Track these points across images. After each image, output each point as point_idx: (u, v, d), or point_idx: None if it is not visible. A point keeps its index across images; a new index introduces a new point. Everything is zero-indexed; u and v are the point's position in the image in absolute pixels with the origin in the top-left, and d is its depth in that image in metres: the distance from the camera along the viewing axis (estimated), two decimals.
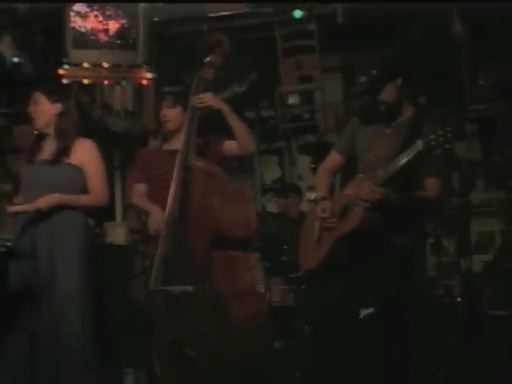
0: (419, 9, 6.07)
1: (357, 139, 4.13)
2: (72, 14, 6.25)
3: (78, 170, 4.22)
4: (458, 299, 5.72)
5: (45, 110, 4.27)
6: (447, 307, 5.61)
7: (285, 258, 5.72)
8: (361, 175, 3.95)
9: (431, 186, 3.84)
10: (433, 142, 3.50)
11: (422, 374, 3.76)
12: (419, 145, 3.53)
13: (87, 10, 6.23)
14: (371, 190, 3.66)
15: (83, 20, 6.25)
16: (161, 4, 6.52)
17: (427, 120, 3.91)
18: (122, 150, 7.09)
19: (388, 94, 3.93)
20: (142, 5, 6.25)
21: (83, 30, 6.26)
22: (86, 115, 6.12)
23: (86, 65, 6.30)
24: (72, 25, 6.27)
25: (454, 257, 6.19)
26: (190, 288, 3.92)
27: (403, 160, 3.61)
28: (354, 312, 3.95)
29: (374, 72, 4.16)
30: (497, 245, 6.52)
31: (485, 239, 6.53)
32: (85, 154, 4.27)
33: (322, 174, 4.29)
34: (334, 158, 4.26)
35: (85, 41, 6.28)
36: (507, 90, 6.42)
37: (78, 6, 6.22)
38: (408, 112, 3.99)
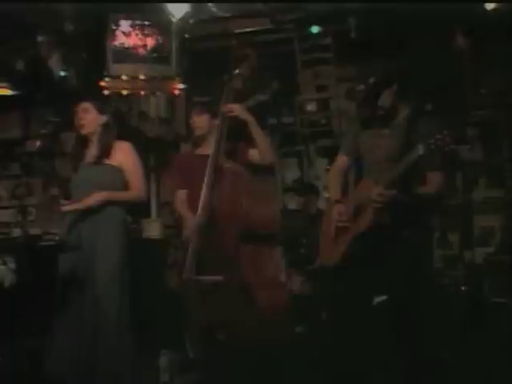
0: (426, 23, 6.07)
1: (360, 141, 4.11)
2: (115, 32, 6.28)
3: (119, 170, 4.25)
4: (462, 288, 5.68)
5: (93, 119, 4.31)
6: (452, 295, 5.57)
7: (303, 251, 5.73)
8: (367, 177, 3.94)
9: (433, 179, 3.82)
10: (432, 146, 3.53)
11: (428, 355, 3.75)
12: (420, 149, 3.56)
13: (130, 29, 6.26)
14: (380, 193, 3.67)
15: (124, 37, 6.28)
16: (191, 22, 6.53)
17: (422, 119, 3.90)
18: (157, 154, 7.10)
19: (385, 99, 3.92)
20: (174, 23, 6.25)
21: (123, 46, 6.29)
22: (124, 122, 6.14)
23: (124, 77, 6.32)
24: (113, 42, 6.30)
25: (458, 250, 6.15)
26: (220, 278, 3.93)
27: (406, 163, 3.63)
28: (369, 300, 3.92)
29: (372, 80, 4.16)
30: (497, 238, 6.48)
31: (486, 233, 6.49)
32: (124, 155, 4.30)
33: (333, 177, 4.26)
34: (341, 160, 4.22)
35: (124, 56, 6.30)
36: (505, 98, 6.39)
37: (122, 26, 6.24)
38: (403, 112, 3.96)
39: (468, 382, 3.83)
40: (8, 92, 7.53)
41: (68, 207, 4.22)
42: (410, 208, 3.72)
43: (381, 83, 4.00)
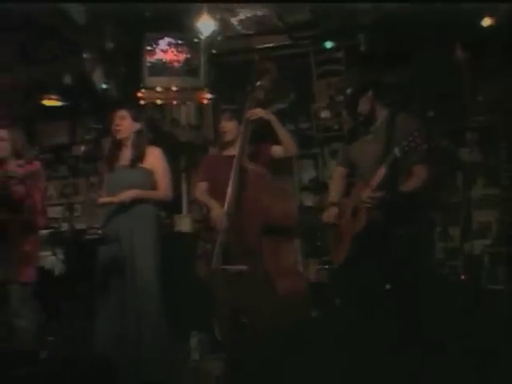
0: (428, 38, 6.03)
1: (350, 151, 4.10)
2: (150, 49, 6.29)
3: (150, 173, 4.29)
4: (462, 277, 5.64)
5: (128, 126, 4.35)
6: (453, 283, 5.54)
7: (318, 243, 5.69)
8: (362, 180, 3.89)
9: (418, 172, 3.76)
10: (406, 148, 3.50)
11: (429, 336, 3.73)
12: (396, 152, 3.53)
13: (165, 46, 6.29)
14: (369, 196, 3.64)
15: (159, 53, 6.29)
16: (218, 39, 6.52)
17: (399, 119, 3.82)
18: (187, 157, 7.12)
19: (363, 106, 3.88)
20: (203, 40, 6.27)
21: (157, 61, 6.30)
22: (158, 128, 6.14)
23: (158, 89, 6.33)
24: (148, 58, 6.31)
25: (459, 242, 6.09)
26: (244, 267, 3.95)
27: (387, 166, 3.59)
28: (375, 288, 3.87)
29: (349, 90, 4.16)
30: (493, 232, 6.41)
31: (484, 227, 6.42)
32: (154, 159, 4.33)
33: (334, 182, 4.26)
34: (338, 170, 4.24)
35: (158, 70, 6.31)
36: (501, 105, 6.34)
37: (158, 44, 6.29)
38: (382, 115, 3.89)
39: (467, 361, 3.76)
40: (57, 103, 7.58)
41: (103, 200, 4.28)
42: (401, 204, 3.67)
43: (357, 91, 3.96)
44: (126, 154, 4.35)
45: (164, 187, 4.31)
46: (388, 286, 3.91)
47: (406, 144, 3.50)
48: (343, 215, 3.93)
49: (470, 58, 6.25)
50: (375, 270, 3.76)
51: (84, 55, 6.70)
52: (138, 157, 4.29)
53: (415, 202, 3.86)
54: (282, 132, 4.25)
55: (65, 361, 3.89)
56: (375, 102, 3.89)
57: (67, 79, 7.11)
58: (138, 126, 4.37)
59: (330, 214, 3.99)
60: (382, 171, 3.61)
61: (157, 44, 6.30)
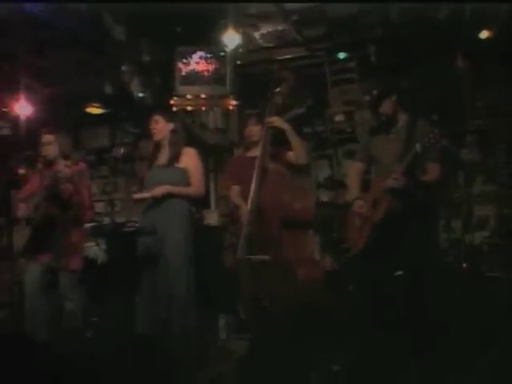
0: (432, 49, 6.02)
1: (371, 148, 4.08)
2: (182, 61, 6.32)
3: (184, 171, 4.28)
4: (464, 265, 5.60)
5: (162, 128, 4.37)
6: (456, 271, 5.50)
7: (334, 235, 5.66)
8: (380, 177, 3.90)
9: (432, 169, 3.79)
10: (427, 144, 3.55)
11: (435, 317, 3.74)
12: (418, 147, 3.58)
13: (194, 58, 6.30)
14: (395, 178, 3.66)
15: (189, 65, 6.31)
16: (242, 51, 6.52)
17: (419, 124, 3.84)
18: (215, 157, 7.12)
19: (385, 107, 3.90)
20: (229, 52, 6.27)
21: (189, 71, 6.31)
22: (189, 132, 6.15)
23: (189, 96, 6.33)
24: (180, 69, 6.32)
25: (460, 234, 6.05)
26: (266, 257, 3.94)
27: (409, 158, 3.64)
28: (389, 274, 3.86)
29: (375, 91, 4.17)
30: (491, 225, 6.37)
31: (483, 220, 6.38)
32: (189, 159, 4.33)
33: (352, 179, 4.25)
34: (357, 166, 4.22)
35: (188, 79, 6.32)
36: (498, 110, 6.31)
37: (188, 56, 6.30)
38: (402, 119, 3.92)
39: (468, 339, 3.74)
40: (99, 111, 7.63)
41: (137, 195, 4.32)
42: (417, 197, 3.72)
43: (383, 94, 3.98)
44: (164, 154, 4.37)
45: (196, 184, 4.31)
46: (399, 272, 3.90)
47: (427, 140, 3.55)
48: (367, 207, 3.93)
49: (470, 67, 6.21)
50: (391, 256, 3.76)
51: (123, 68, 6.74)
52: (174, 157, 4.30)
53: (429, 196, 3.88)
54: (294, 141, 4.21)
55: (107, 339, 3.94)
56: (397, 106, 3.90)
57: (108, 89, 7.15)
58: (171, 125, 4.39)
59: (358, 206, 3.96)
60: (403, 162, 3.66)
61: (189, 57, 6.30)
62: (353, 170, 4.25)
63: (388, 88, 4.03)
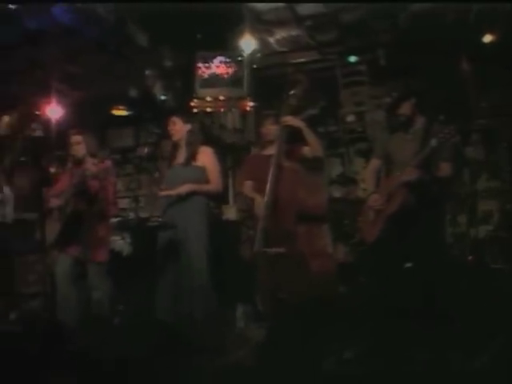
0: (439, 53, 6.00)
1: (388, 146, 4.05)
2: (201, 65, 6.32)
3: (202, 169, 4.28)
4: (469, 257, 5.57)
5: (180, 128, 4.36)
6: (461, 262, 5.48)
7: (346, 229, 5.63)
8: (395, 173, 3.87)
9: (444, 167, 3.76)
10: (442, 140, 3.54)
11: (443, 305, 3.72)
12: (433, 142, 3.57)
13: (213, 62, 6.31)
14: (411, 172, 3.65)
15: (208, 69, 6.32)
16: (258, 55, 6.52)
17: (436, 126, 3.82)
18: (233, 156, 7.10)
19: (404, 109, 3.87)
20: (246, 57, 6.29)
21: (209, 75, 6.32)
22: (208, 132, 6.15)
23: (208, 98, 6.35)
24: (200, 73, 6.34)
25: (466, 228, 6.02)
26: (281, 250, 3.91)
27: (425, 153, 3.62)
28: (399, 266, 3.83)
29: (395, 94, 4.16)
30: (495, 219, 6.33)
31: (486, 215, 6.34)
32: (206, 158, 4.32)
33: (369, 175, 4.21)
34: (375, 162, 4.18)
35: (207, 83, 6.33)
36: (501, 110, 6.29)
37: (208, 61, 6.33)
38: (420, 121, 3.90)
39: (472, 326, 3.72)
40: (124, 112, 7.65)
41: (163, 193, 4.30)
42: (429, 192, 3.69)
43: (401, 96, 3.97)
44: (182, 154, 4.36)
45: (215, 182, 4.30)
46: (409, 264, 3.89)
47: (442, 136, 3.54)
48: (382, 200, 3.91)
49: (474, 70, 6.17)
50: (403, 248, 3.74)
51: (146, 72, 6.76)
52: (192, 156, 4.29)
53: (440, 192, 3.86)
54: (310, 136, 4.19)
55: (131, 326, 3.95)
56: (415, 108, 3.89)
57: (132, 92, 7.18)
58: (188, 126, 4.38)
59: (373, 200, 3.92)
60: (418, 157, 3.65)
61: (210, 61, 6.31)
62: (370, 166, 4.23)
63: (407, 91, 4.03)
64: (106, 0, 5.27)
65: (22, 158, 7.02)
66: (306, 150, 4.22)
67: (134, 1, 5.35)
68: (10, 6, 5.16)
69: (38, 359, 3.10)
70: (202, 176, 4.26)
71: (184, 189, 4.16)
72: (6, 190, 5.52)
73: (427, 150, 3.63)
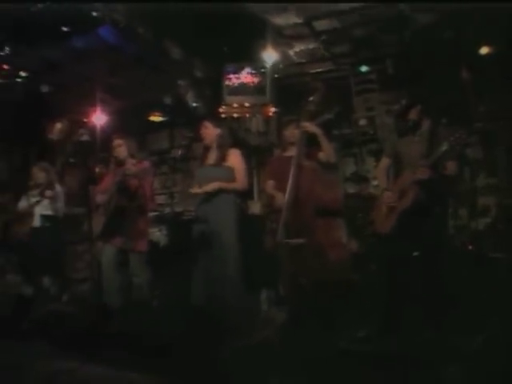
0: (441, 62, 5.94)
1: (397, 147, 3.99)
2: (229, 75, 6.35)
3: (230, 169, 4.24)
4: (470, 247, 5.48)
5: (210, 132, 4.34)
6: (462, 252, 5.38)
7: (359, 222, 5.57)
8: (407, 171, 3.78)
9: (451, 165, 3.67)
10: (453, 143, 3.47)
11: (446, 292, 3.64)
12: (445, 145, 3.50)
13: (240, 73, 6.31)
14: (424, 171, 3.59)
15: (236, 78, 6.32)
16: (279, 66, 6.49)
17: (441, 129, 3.79)
18: (257, 157, 7.09)
19: (412, 114, 3.82)
20: (268, 67, 6.28)
21: (236, 84, 6.31)
22: (235, 136, 6.13)
23: (235, 105, 6.34)
24: (228, 82, 6.35)
25: (467, 220, 5.94)
26: (301, 241, 3.87)
27: (436, 155, 3.56)
28: (408, 255, 3.78)
29: (403, 101, 4.16)
30: (493, 213, 6.23)
31: (485, 209, 6.25)
32: (234, 159, 4.29)
33: (380, 173, 4.13)
34: (385, 161, 4.10)
35: (234, 91, 6.32)
36: (498, 114, 6.17)
37: (236, 71, 6.36)
38: (426, 124, 3.83)
39: (473, 307, 3.68)
40: (160, 118, 7.68)
41: (195, 190, 4.25)
42: (438, 189, 3.64)
43: (409, 102, 3.92)
44: (213, 155, 4.34)
45: (241, 180, 4.27)
46: (416, 253, 3.80)
47: (454, 139, 3.47)
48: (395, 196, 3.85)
49: (473, 77, 6.08)
50: (413, 240, 3.68)
51: (179, 82, 6.76)
52: (221, 157, 4.26)
53: (446, 188, 3.83)
54: (324, 143, 4.11)
55: (168, 309, 3.95)
56: (422, 113, 3.84)
57: (167, 100, 7.20)
58: (218, 130, 4.35)
59: (387, 197, 3.86)
60: (431, 158, 3.59)
61: (239, 72, 6.32)
62: (381, 165, 4.16)
63: (414, 98, 3.97)
64: (110, 0, 5.21)
65: (72, 160, 7.11)
66: (321, 155, 4.16)
67: (144, 1, 5.32)
68: (62, 27, 5.22)
69: (86, 335, 3.13)
70: (230, 175, 4.24)
71: (212, 186, 4.14)
72: (58, 187, 5.57)
73: (439, 152, 3.56)
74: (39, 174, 5.53)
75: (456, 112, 5.79)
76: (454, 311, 3.58)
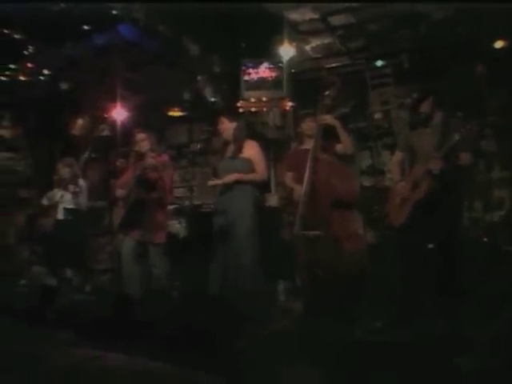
0: (457, 57, 5.88)
1: (411, 139, 3.97)
2: (247, 70, 6.33)
3: (248, 161, 4.23)
4: (485, 239, 5.41)
5: (227, 126, 4.31)
6: (477, 243, 5.31)
7: (374, 214, 5.53)
8: (418, 164, 3.77)
9: (465, 157, 3.63)
10: (464, 134, 3.46)
11: (460, 284, 3.63)
12: (456, 136, 3.48)
13: (257, 68, 6.29)
14: (435, 163, 3.56)
15: (253, 73, 6.31)
16: (296, 61, 6.46)
17: (452, 121, 3.74)
18: (274, 150, 7.05)
19: (425, 107, 3.80)
20: (285, 62, 6.25)
21: (254, 79, 6.30)
22: (253, 129, 6.12)
23: (252, 99, 6.34)
24: (245, 77, 6.35)
25: (482, 213, 5.87)
26: (318, 232, 3.85)
27: (448, 146, 3.54)
28: (422, 247, 3.75)
29: (415, 94, 4.16)
30: (507, 205, 6.14)
31: (500, 202, 6.16)
32: (252, 150, 4.27)
33: (394, 166, 4.12)
34: (398, 155, 4.09)
35: (252, 86, 6.31)
36: (510, 108, 6.08)
37: (253, 66, 6.34)
38: (438, 115, 3.79)
39: (487, 296, 3.65)
40: (179, 113, 7.69)
41: (212, 182, 4.26)
42: (451, 179, 3.60)
43: (421, 96, 3.89)
44: (230, 148, 4.32)
45: (260, 171, 4.23)
46: (432, 245, 3.77)
47: (465, 131, 3.45)
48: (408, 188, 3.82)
49: (488, 72, 5.99)
50: (427, 230, 3.65)
51: (198, 78, 6.76)
52: (238, 149, 4.24)
53: (460, 180, 3.78)
54: (342, 135, 4.08)
55: (186, 299, 3.96)
56: (434, 106, 3.80)
57: (186, 96, 7.20)
58: (235, 124, 4.33)
59: (401, 188, 3.84)
60: (442, 149, 3.56)
61: (257, 67, 6.32)
62: (394, 158, 4.14)
63: (427, 91, 3.94)
64: (115, 0, 5.22)
65: (93, 155, 7.15)
66: (339, 147, 4.12)
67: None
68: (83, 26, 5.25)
69: (108, 324, 3.16)
70: (248, 167, 4.21)
71: (230, 178, 4.12)
72: (81, 182, 5.61)
73: (450, 143, 3.52)
74: (63, 169, 5.58)
75: (471, 105, 5.73)
76: (468, 303, 3.54)
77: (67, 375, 1.79)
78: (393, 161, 4.17)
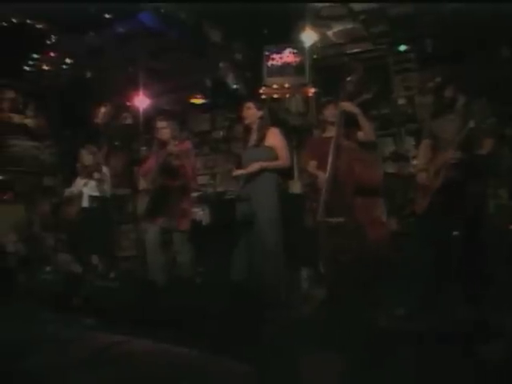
0: (479, 42, 5.73)
1: (434, 126, 3.91)
2: (269, 57, 6.29)
3: (272, 149, 4.19)
4: (511, 227, 5.28)
5: (252, 114, 4.27)
6: (502, 231, 5.18)
7: (398, 201, 5.46)
8: (442, 151, 3.71)
9: (486, 143, 3.58)
10: (479, 120, 3.45)
11: (485, 271, 3.59)
12: (471, 123, 3.46)
13: (280, 53, 6.25)
14: (453, 151, 3.54)
15: (275, 59, 6.27)
16: (318, 47, 6.39)
17: (475, 105, 3.64)
18: (297, 137, 6.99)
19: (448, 92, 3.75)
20: (307, 48, 6.20)
21: (274, 65, 6.25)
22: (275, 116, 6.08)
23: (275, 86, 6.30)
24: (267, 63, 6.29)
25: (506, 200, 5.74)
26: (341, 219, 3.82)
27: (463, 134, 3.52)
28: (448, 233, 3.70)
29: (438, 79, 4.05)
30: None
31: None
32: (274, 138, 4.23)
33: (423, 153, 4.04)
34: (426, 142, 4.01)
35: (274, 72, 6.27)
36: None
37: (275, 52, 6.29)
38: (461, 99, 3.74)
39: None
40: (201, 100, 7.68)
41: (236, 172, 4.25)
42: (472, 167, 3.55)
43: (445, 80, 3.86)
44: (254, 136, 4.29)
45: (283, 158, 4.19)
46: (456, 233, 3.72)
47: (479, 117, 3.43)
48: (429, 176, 3.78)
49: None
50: (449, 218, 3.61)
51: (220, 65, 6.74)
52: (261, 137, 4.21)
53: (483, 167, 3.69)
54: (364, 123, 4.03)
55: (210, 285, 3.98)
56: (457, 90, 3.75)
57: (208, 83, 7.18)
58: (260, 113, 4.29)
59: (422, 177, 3.82)
60: (458, 138, 3.53)
61: (279, 52, 6.27)
62: (423, 146, 4.08)
63: (450, 75, 3.91)
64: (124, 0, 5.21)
65: (116, 143, 7.20)
66: (360, 135, 4.07)
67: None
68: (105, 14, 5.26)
69: (132, 310, 3.18)
70: (271, 155, 4.18)
71: (254, 167, 4.10)
72: (105, 169, 5.65)
73: (466, 130, 3.49)
74: (87, 157, 5.62)
75: (496, 90, 5.60)
76: (493, 290, 3.49)
77: (96, 359, 1.81)
78: (421, 149, 4.11)
